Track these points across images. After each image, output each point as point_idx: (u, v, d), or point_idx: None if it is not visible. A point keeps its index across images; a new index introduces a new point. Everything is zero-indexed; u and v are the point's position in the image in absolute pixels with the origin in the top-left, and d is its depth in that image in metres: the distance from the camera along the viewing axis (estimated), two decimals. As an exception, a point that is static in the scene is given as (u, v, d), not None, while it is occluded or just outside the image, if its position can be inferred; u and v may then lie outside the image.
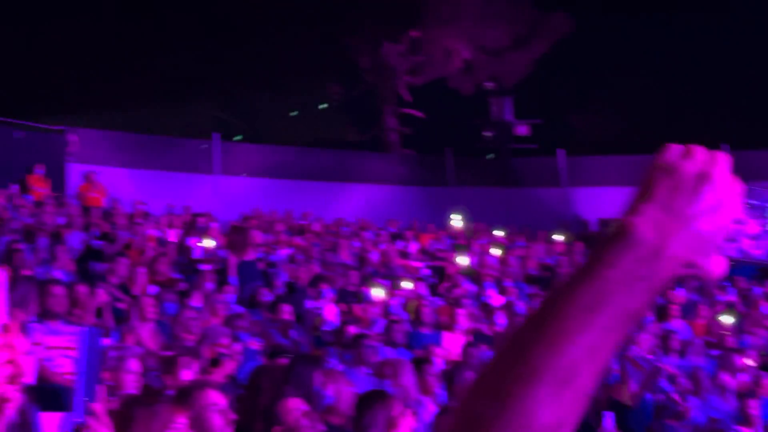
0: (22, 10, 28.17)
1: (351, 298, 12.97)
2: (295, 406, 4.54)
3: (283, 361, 7.02)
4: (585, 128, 34.00)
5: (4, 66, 28.15)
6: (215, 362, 7.31)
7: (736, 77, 32.11)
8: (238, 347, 7.65)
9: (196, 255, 13.50)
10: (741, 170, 1.02)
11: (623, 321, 0.88)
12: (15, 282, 9.24)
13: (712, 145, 0.97)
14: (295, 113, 30.19)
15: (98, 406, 2.38)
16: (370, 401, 5.26)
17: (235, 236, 13.37)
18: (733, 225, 0.94)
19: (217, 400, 4.04)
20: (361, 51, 28.33)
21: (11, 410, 1.62)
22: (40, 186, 18.10)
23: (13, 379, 1.54)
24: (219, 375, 7.06)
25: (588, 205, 23.18)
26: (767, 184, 22.90)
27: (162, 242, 14.65)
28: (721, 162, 0.95)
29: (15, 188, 17.54)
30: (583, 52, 32.23)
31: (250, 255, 13.08)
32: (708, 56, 32.71)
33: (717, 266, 0.94)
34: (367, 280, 13.96)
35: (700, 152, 0.96)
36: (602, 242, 0.90)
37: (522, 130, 26.74)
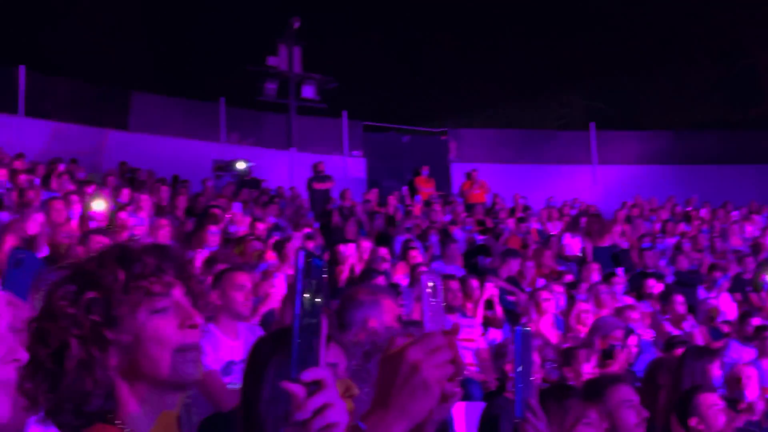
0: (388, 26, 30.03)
1: (747, 286, 12.21)
2: (711, 401, 4.36)
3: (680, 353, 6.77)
4: None
5: (385, 77, 30.20)
6: (608, 354, 7.22)
7: None
8: (632, 339, 7.50)
9: (571, 252, 13.56)
10: None
11: None
12: (414, 279, 9.87)
13: None
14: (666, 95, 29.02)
15: (534, 401, 2.45)
16: None
17: (592, 224, 13.80)
18: None
19: (630, 396, 3.99)
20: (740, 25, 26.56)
21: (452, 405, 1.74)
22: (426, 186, 19.14)
23: (454, 377, 1.64)
24: (614, 367, 6.97)
25: None
26: None
27: (544, 235, 14.82)
28: None
29: (405, 190, 18.73)
30: None
31: (606, 241, 13.50)
32: None
33: None
34: (763, 266, 13.05)
35: None
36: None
37: None
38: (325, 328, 1.48)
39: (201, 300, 1.80)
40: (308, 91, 19.85)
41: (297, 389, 1.43)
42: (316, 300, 1.45)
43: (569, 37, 27.82)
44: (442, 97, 28.94)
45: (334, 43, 27.50)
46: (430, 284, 1.68)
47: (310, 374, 1.43)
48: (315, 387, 1.44)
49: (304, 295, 1.44)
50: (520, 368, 2.39)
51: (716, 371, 6.25)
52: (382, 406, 1.60)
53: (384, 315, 3.52)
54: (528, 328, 2.45)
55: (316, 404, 1.43)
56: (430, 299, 1.66)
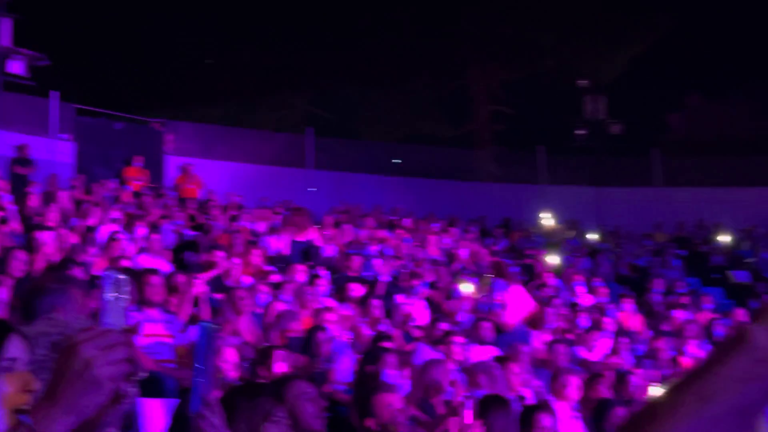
0: (122, 7, 29.02)
1: (440, 294, 13.00)
2: (390, 401, 4.62)
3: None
4: (680, 128, 33.28)
5: (105, 60, 29.05)
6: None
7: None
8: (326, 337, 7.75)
9: (277, 251, 13.93)
10: None
11: (733, 415, 0.95)
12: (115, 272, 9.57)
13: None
14: (387, 108, 30.24)
15: (212, 397, 2.48)
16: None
17: (294, 217, 14.82)
18: None
19: (307, 389, 4.14)
20: (458, 45, 28.23)
21: (127, 405, 1.73)
22: (137, 177, 18.62)
23: (130, 376, 1.64)
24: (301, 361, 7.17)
25: (682, 205, 22.69)
26: None
27: (253, 235, 14.92)
28: None
29: (114, 179, 18.11)
30: (681, 52, 31.54)
31: (304, 237, 14.39)
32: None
33: None
34: (456, 276, 13.99)
35: None
36: (723, 344, 0.99)
37: (615, 129, 26.29)
38: None
39: None
40: (16, 67, 18.66)
41: None
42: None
43: (294, 41, 28.19)
44: (161, 86, 28.28)
45: (52, 20, 26.09)
46: (112, 280, 1.66)
47: None
48: None
49: None
50: (200, 364, 2.41)
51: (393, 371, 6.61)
52: (49, 399, 1.57)
53: (73, 305, 3.41)
54: (213, 325, 2.48)
55: None
56: (109, 295, 1.64)
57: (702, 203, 22.51)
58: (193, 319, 8.90)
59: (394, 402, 4.76)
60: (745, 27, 31.69)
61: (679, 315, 13.61)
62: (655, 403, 1.00)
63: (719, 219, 21.36)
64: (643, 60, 28.89)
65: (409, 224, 18.73)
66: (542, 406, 6.18)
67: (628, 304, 14.03)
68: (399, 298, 11.71)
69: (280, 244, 14.16)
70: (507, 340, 10.79)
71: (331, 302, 10.61)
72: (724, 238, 20.38)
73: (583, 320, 12.45)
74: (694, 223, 21.80)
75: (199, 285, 9.06)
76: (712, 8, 30.34)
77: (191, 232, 14.47)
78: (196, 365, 2.41)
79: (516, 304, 11.73)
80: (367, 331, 9.67)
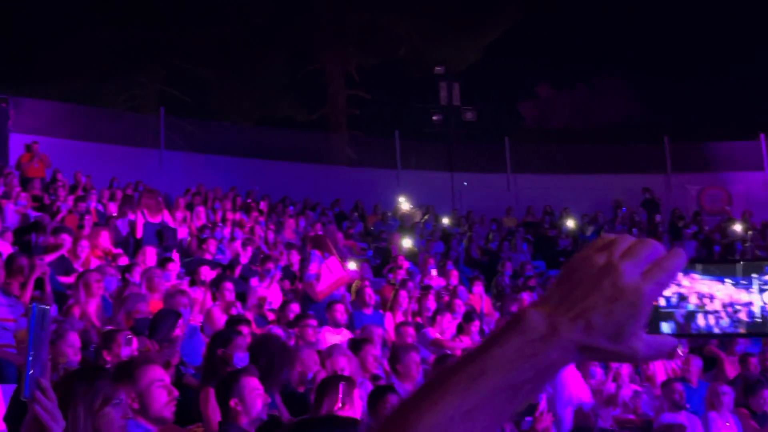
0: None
1: (294, 277, 12.98)
2: (254, 385, 4.67)
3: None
4: (531, 117, 34.33)
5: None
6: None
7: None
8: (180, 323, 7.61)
9: (126, 233, 13.58)
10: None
11: (504, 391, 1.00)
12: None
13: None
14: (242, 91, 29.86)
15: (45, 381, 2.38)
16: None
17: (145, 198, 14.50)
18: (646, 308, 1.02)
19: (161, 375, 4.05)
20: (313, 30, 28.17)
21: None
22: (-21, 155, 17.75)
23: None
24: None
25: (532, 191, 23.42)
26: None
27: (103, 216, 14.49)
28: (640, 250, 1.04)
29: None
30: (532, 43, 32.51)
31: (157, 218, 14.14)
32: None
33: (645, 348, 1.03)
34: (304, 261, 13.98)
35: (618, 242, 1.05)
36: (500, 327, 1.04)
37: (469, 116, 26.84)
38: None
39: None
40: None
41: None
42: None
43: (147, 20, 27.39)
44: (5, 62, 26.97)
45: None
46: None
47: None
48: None
49: None
50: (31, 347, 2.32)
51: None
52: None
53: None
54: (44, 306, 2.38)
55: None
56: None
57: (550, 189, 23.30)
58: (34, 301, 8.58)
59: (254, 384, 4.74)
60: (594, 21, 32.97)
61: (526, 297, 14.05)
62: (428, 382, 1.03)
63: (566, 204, 22.18)
64: (497, 49, 29.62)
65: (264, 207, 18.61)
66: (391, 388, 6.27)
67: (478, 287, 14.38)
68: (253, 282, 11.63)
69: (132, 226, 13.80)
70: (362, 322, 10.91)
71: (182, 285, 10.43)
72: (570, 223, 21.18)
73: (434, 302, 12.68)
74: (542, 208, 22.54)
75: (41, 267, 8.73)
76: (563, 1, 31.42)
77: (35, 213, 13.91)
78: (29, 348, 2.32)
79: (329, 275, 11.90)
80: (219, 315, 9.55)
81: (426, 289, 13.12)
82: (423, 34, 27.83)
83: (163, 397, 4.01)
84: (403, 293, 11.84)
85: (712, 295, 1.19)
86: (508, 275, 16.48)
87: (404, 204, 21.97)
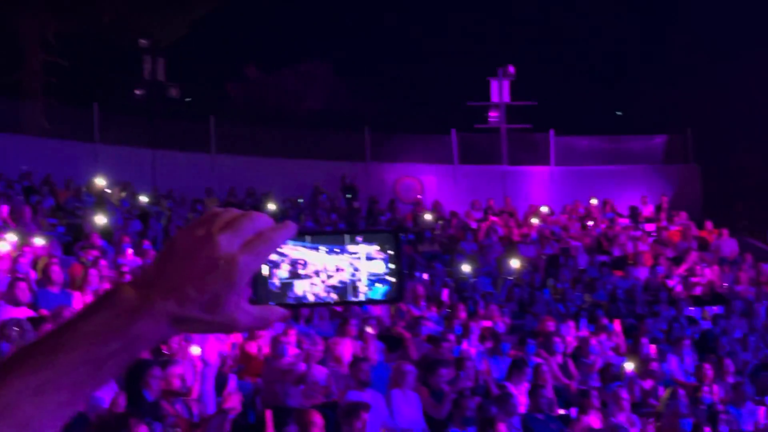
0: None
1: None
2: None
3: None
4: (237, 98, 34.23)
5: None
6: None
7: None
8: None
9: None
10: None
11: (87, 364, 0.98)
12: None
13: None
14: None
15: None
16: None
17: None
18: (243, 278, 1.03)
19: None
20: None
21: None
22: None
23: None
24: None
25: (236, 173, 23.36)
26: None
27: None
28: (240, 223, 1.04)
29: None
30: (240, 22, 32.41)
31: None
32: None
33: (247, 318, 1.05)
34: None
35: (220, 215, 1.06)
36: (90, 303, 1.03)
37: (173, 92, 26.19)
38: None
39: None
40: None
41: None
42: None
43: None
44: None
45: None
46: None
47: None
48: None
49: None
50: None
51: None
52: None
53: None
54: None
55: None
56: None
57: (253, 171, 23.37)
58: None
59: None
60: (308, 6, 33.49)
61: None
62: (7, 358, 1.00)
63: (269, 187, 22.35)
64: (205, 26, 29.18)
65: None
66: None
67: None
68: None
69: None
70: (47, 300, 10.43)
71: None
72: (272, 206, 21.35)
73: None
74: (246, 190, 22.55)
75: None
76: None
77: None
78: None
79: None
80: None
81: (119, 267, 12.71)
82: (129, 4, 26.77)
83: None
84: (93, 272, 11.39)
85: (305, 262, 1.18)
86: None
87: (100, 179, 21.03)
